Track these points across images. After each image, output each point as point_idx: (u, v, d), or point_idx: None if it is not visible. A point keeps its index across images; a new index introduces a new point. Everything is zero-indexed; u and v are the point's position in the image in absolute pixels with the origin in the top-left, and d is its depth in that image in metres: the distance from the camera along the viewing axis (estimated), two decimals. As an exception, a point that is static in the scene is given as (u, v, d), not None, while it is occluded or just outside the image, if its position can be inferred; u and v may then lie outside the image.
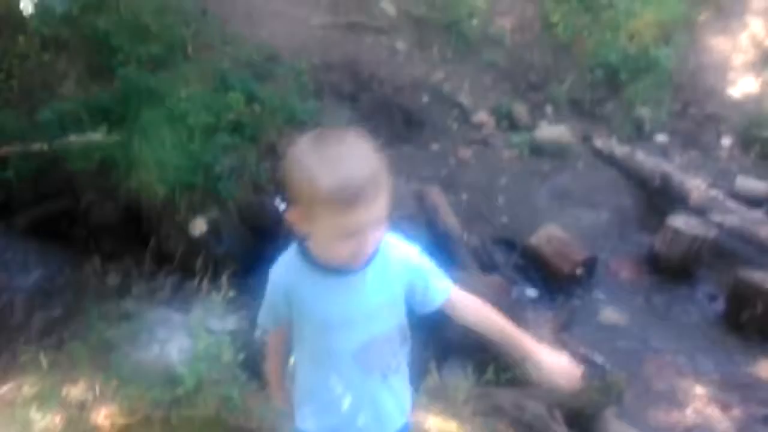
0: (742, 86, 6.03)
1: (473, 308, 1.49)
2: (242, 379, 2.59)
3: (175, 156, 4.49)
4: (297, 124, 5.09)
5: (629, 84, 5.94)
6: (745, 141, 5.54)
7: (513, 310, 3.63)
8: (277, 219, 4.28)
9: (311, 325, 1.41)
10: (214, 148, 4.54)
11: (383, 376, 1.46)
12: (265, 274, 1.43)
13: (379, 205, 1.22)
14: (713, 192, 4.48)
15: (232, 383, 2.53)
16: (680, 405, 3.41)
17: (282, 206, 4.54)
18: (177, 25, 5.51)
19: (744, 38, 6.27)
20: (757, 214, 4.31)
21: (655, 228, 4.41)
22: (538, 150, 5.30)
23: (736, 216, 4.29)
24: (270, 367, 1.66)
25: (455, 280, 1.49)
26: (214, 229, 4.38)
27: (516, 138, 5.40)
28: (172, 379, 2.51)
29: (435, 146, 5.38)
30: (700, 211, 4.36)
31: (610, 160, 5.20)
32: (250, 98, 5.11)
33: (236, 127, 4.85)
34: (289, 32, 6.00)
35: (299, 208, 1.25)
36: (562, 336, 3.75)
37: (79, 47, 5.23)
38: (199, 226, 4.33)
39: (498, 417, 2.74)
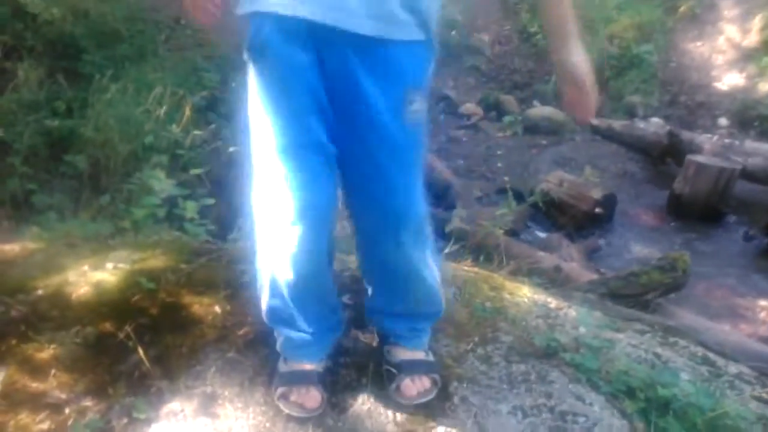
0: (727, 81, 5.95)
1: None
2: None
3: (141, 119, 4.04)
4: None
5: (616, 79, 5.82)
6: (742, 121, 5.34)
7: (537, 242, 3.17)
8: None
9: None
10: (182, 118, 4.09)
11: None
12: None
13: None
14: (728, 137, 4.15)
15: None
16: (747, 319, 2.84)
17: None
18: (149, 31, 5.30)
19: (721, 41, 6.29)
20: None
21: (668, 189, 4.02)
22: (532, 128, 5.00)
23: (759, 156, 3.93)
24: None
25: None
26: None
27: (508, 119, 5.11)
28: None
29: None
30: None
31: (609, 133, 4.90)
32: (225, 81, 4.80)
33: (210, 106, 4.50)
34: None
35: None
36: (595, 264, 3.22)
37: (44, 52, 4.92)
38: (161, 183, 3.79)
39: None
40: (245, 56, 1.06)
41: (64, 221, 2.09)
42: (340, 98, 1.03)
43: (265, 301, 1.17)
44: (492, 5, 6.88)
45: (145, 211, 2.12)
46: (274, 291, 1.13)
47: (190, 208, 2.14)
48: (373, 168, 1.06)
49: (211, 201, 2.34)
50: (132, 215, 2.08)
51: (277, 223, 1.06)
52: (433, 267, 1.18)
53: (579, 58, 1.14)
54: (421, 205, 1.10)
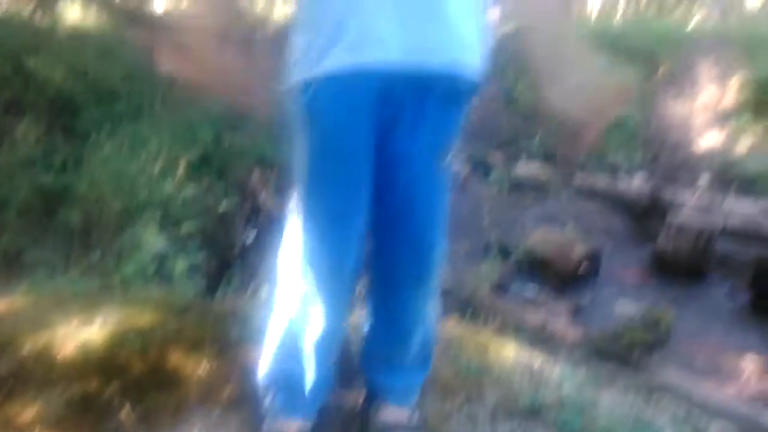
0: (707, 140, 6.14)
1: None
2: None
3: (135, 176, 4.10)
4: (267, 165, 4.86)
5: (599, 138, 5.97)
6: (722, 179, 5.47)
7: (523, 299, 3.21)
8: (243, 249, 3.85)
9: None
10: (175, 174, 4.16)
11: None
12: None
13: None
14: (708, 196, 4.26)
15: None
16: (731, 376, 2.85)
17: (251, 236, 4.15)
18: (146, 89, 5.42)
19: (700, 101, 6.52)
20: (759, 207, 4.06)
21: (651, 246, 4.09)
22: (518, 186, 5.10)
23: (738, 214, 4.03)
24: None
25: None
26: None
27: (494, 176, 5.21)
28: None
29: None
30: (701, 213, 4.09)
31: (592, 192, 5.00)
32: (219, 137, 4.91)
33: (203, 162, 4.57)
34: (259, 99, 5.95)
35: None
36: (580, 321, 3.24)
37: (43, 109, 5.03)
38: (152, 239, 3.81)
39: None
40: (294, 122, 1.06)
41: (54, 277, 2.10)
42: (388, 146, 1.05)
43: (269, 359, 1.17)
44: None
45: (134, 268, 2.14)
46: (287, 349, 1.14)
47: (180, 265, 2.17)
48: (408, 204, 1.10)
49: (200, 258, 2.37)
50: (122, 272, 2.10)
51: (309, 281, 1.09)
52: (434, 319, 1.21)
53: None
54: (445, 244, 1.14)
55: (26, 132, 4.55)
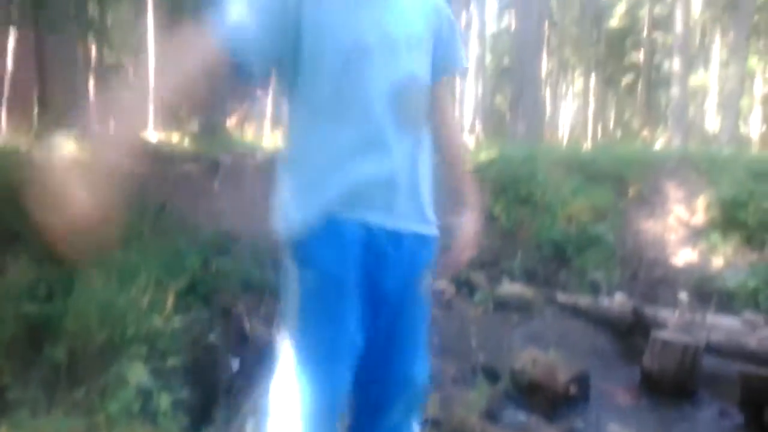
0: (682, 257, 6.33)
1: (451, 121, 1.36)
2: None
3: (123, 309, 4.12)
4: (253, 290, 4.91)
5: (577, 256, 6.14)
6: (701, 295, 5.58)
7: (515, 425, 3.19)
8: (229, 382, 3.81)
9: (332, 56, 1.08)
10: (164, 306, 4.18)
11: (415, 142, 1.19)
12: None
13: None
14: (690, 312, 4.34)
15: None
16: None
17: (236, 366, 4.13)
18: (135, 216, 5.55)
19: (671, 220, 6.79)
20: (740, 324, 4.13)
21: (638, 364, 4.12)
22: (502, 305, 5.15)
23: (721, 330, 4.10)
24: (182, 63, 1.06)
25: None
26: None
27: (479, 296, 5.27)
28: None
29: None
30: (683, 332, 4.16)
31: (575, 310, 5.07)
32: (206, 263, 4.99)
33: (190, 290, 4.61)
34: (247, 224, 6.09)
35: None
36: (571, 447, 3.18)
37: (29, 240, 5.10)
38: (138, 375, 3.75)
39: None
40: (289, 262, 1.15)
41: (36, 417, 2.06)
42: (376, 290, 1.17)
43: None
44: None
45: (119, 405, 2.11)
46: None
47: (165, 401, 2.15)
48: (391, 337, 1.19)
49: (185, 394, 2.35)
50: (106, 409, 2.07)
51: (300, 417, 1.12)
52: None
53: (465, 219, 1.34)
54: (426, 372, 1.19)
55: (13, 261, 4.58)
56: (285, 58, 1.09)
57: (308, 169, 1.15)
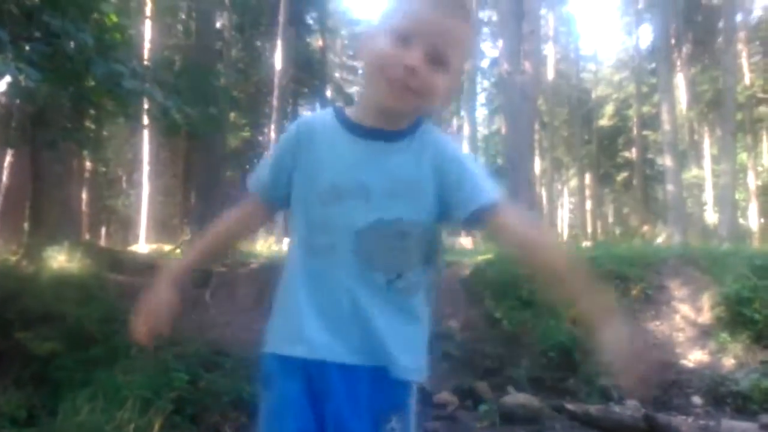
0: (693, 357, 6.12)
1: (526, 237, 1.22)
2: None
3: (107, 429, 3.94)
4: (244, 407, 4.72)
5: (585, 362, 5.92)
6: (716, 398, 5.35)
7: None
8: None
9: (314, 192, 1.21)
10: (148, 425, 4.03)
11: (387, 283, 1.16)
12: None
13: (453, 38, 1.15)
14: (703, 421, 4.12)
15: None
16: None
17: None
18: (122, 332, 5.45)
19: (678, 319, 6.63)
20: (757, 429, 3.90)
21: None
22: (509, 417, 4.90)
23: (737, 440, 3.87)
24: (213, 229, 1.40)
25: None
26: None
27: (483, 408, 5.03)
28: None
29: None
30: (699, 443, 3.92)
31: (586, 418, 4.82)
32: (195, 380, 4.83)
33: (177, 408, 4.43)
34: (237, 337, 5.97)
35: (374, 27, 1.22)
36: None
37: (13, 359, 5.00)
38: None
39: None
40: (260, 385, 1.25)
41: None
42: (325, 416, 1.17)
43: None
44: (458, 293, 7.29)
45: None
46: None
47: None
48: None
49: None
50: None
51: None
52: None
53: (603, 335, 1.13)
54: None
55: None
56: (282, 192, 1.29)
57: (279, 296, 1.27)
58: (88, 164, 12.28)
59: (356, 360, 1.17)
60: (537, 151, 17.89)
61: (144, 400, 4.16)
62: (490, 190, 1.19)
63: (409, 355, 1.21)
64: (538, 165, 19.08)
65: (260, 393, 1.25)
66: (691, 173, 22.57)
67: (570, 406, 5.04)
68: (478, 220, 1.16)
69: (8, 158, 8.01)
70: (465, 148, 21.12)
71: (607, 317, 1.16)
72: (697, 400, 5.37)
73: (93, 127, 7.22)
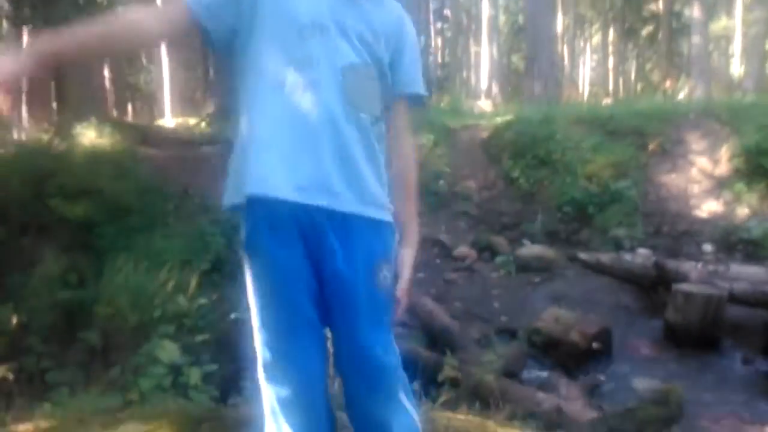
0: (706, 208, 6.25)
1: (404, 148, 1.29)
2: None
3: (151, 292, 4.23)
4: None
5: (599, 214, 6.10)
6: (727, 246, 5.53)
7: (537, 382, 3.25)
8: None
9: (294, 26, 1.16)
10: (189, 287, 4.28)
11: (371, 125, 1.20)
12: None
13: None
14: (712, 267, 4.31)
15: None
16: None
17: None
18: (158, 202, 5.66)
19: (694, 172, 6.69)
20: (765, 273, 4.10)
21: (661, 318, 4.12)
22: (524, 267, 5.17)
23: (744, 280, 4.07)
24: (112, 17, 1.30)
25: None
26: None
27: (500, 259, 5.30)
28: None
29: (420, 275, 5.21)
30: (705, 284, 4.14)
31: (598, 267, 5.06)
32: (230, 242, 5.06)
33: (215, 269, 4.71)
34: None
35: None
36: (596, 401, 3.23)
37: (60, 229, 5.23)
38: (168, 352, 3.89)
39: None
40: (241, 252, 1.18)
41: (75, 396, 2.18)
42: (323, 271, 1.16)
43: None
44: (476, 155, 7.37)
45: (151, 382, 2.22)
46: None
47: (194, 375, 2.25)
48: (353, 329, 1.18)
49: (214, 367, 2.44)
50: (140, 386, 2.18)
51: (279, 399, 1.17)
52: (412, 410, 1.25)
53: (401, 259, 1.24)
54: (394, 357, 1.21)
55: (44, 251, 4.73)
56: (241, 29, 1.17)
57: (244, 145, 1.17)
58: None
59: (348, 206, 1.14)
60: (560, 7, 17.02)
61: (183, 261, 4.43)
62: (423, 85, 1.27)
63: (386, 199, 1.22)
64: (560, 22, 18.22)
65: (243, 257, 1.15)
66: (721, 23, 21.39)
67: (583, 255, 5.28)
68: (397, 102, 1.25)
69: (25, 37, 7.92)
70: (485, 4, 20.12)
71: (413, 241, 1.26)
72: (707, 247, 5.56)
73: (105, 2, 7.04)
